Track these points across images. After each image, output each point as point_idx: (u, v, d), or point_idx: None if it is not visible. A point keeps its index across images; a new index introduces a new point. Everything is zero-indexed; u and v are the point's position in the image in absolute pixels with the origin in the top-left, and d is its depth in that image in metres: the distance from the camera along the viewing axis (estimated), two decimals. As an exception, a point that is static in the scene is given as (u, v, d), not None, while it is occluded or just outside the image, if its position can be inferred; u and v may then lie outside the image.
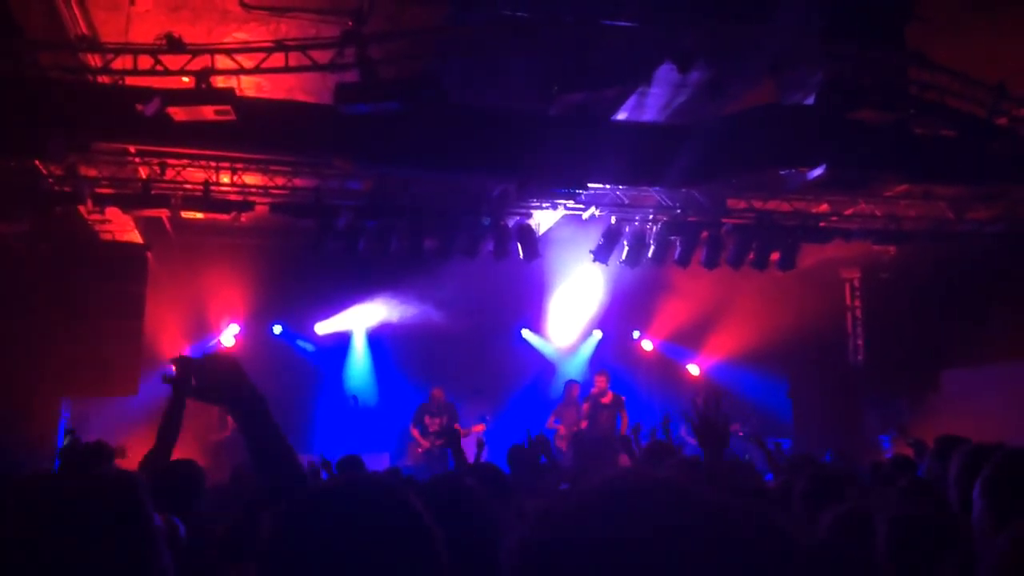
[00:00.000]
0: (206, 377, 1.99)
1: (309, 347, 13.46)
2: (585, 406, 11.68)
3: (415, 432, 11.51)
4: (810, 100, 8.18)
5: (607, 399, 11.58)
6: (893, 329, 13.01)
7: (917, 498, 3.59)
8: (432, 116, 8.02)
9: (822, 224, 11.49)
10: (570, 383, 12.29)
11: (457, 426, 11.35)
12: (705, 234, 11.06)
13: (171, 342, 12.00)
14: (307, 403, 12.87)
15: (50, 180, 9.43)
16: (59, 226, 10.24)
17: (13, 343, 9.42)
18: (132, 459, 7.48)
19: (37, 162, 9.07)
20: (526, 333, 14.23)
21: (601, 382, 11.76)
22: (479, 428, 11.64)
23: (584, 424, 11.45)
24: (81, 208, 9.81)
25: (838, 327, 14.25)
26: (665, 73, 8.00)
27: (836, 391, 13.71)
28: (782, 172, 9.41)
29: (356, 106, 7.21)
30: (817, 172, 8.75)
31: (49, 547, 1.47)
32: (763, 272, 11.42)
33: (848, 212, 11.56)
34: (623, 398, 11.77)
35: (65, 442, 5.58)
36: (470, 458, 6.46)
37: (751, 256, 11.13)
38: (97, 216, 10.21)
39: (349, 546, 1.22)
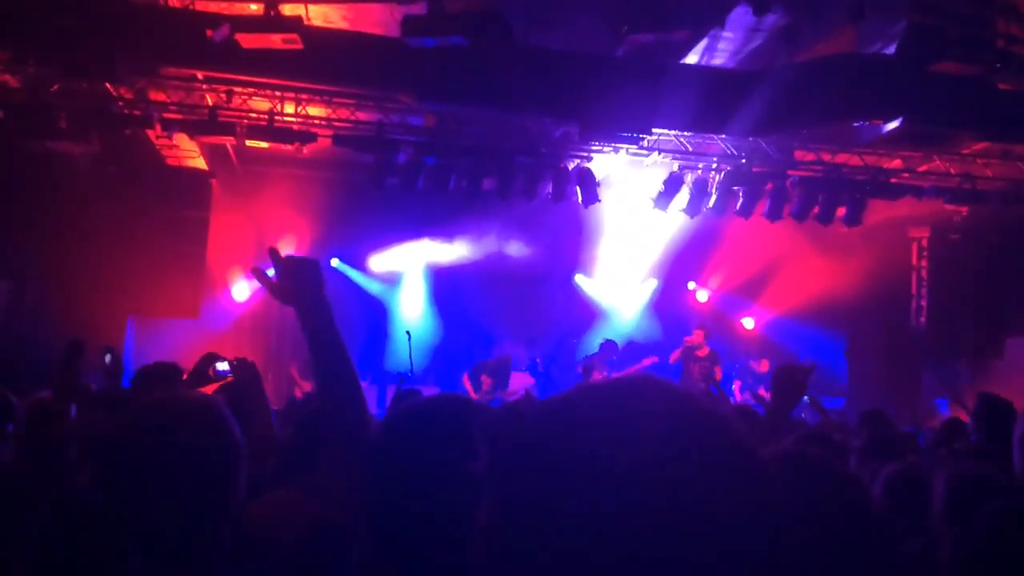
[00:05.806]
0: (287, 276, 2.01)
1: (373, 284, 13.59)
2: (677, 352, 11.47)
3: (468, 384, 11.32)
4: (890, 50, 7.85)
5: (703, 352, 11.31)
6: (959, 292, 12.63)
7: (973, 460, 3.52)
8: (497, 54, 7.92)
9: (893, 180, 11.12)
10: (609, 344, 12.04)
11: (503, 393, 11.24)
12: (769, 185, 10.80)
13: (232, 269, 12.24)
14: (361, 337, 13.05)
15: (120, 103, 9.58)
16: (127, 149, 10.42)
17: (80, 262, 9.70)
18: None
19: (108, 85, 9.22)
20: (579, 278, 14.16)
21: (699, 336, 11.42)
22: (529, 381, 11.63)
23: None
24: (149, 132, 9.97)
25: (902, 287, 13.87)
26: (740, 16, 7.75)
27: (895, 352, 13.41)
28: (856, 124, 9.11)
29: (422, 39, 7.14)
30: (893, 125, 8.45)
31: (151, 463, 1.68)
32: (827, 227, 11.15)
33: (922, 169, 11.16)
34: (718, 354, 11.44)
35: (107, 360, 5.57)
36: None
37: (816, 210, 10.85)
38: (165, 141, 10.37)
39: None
